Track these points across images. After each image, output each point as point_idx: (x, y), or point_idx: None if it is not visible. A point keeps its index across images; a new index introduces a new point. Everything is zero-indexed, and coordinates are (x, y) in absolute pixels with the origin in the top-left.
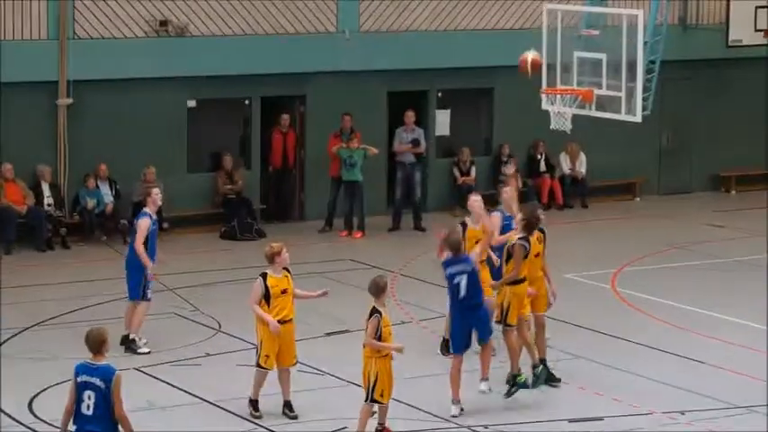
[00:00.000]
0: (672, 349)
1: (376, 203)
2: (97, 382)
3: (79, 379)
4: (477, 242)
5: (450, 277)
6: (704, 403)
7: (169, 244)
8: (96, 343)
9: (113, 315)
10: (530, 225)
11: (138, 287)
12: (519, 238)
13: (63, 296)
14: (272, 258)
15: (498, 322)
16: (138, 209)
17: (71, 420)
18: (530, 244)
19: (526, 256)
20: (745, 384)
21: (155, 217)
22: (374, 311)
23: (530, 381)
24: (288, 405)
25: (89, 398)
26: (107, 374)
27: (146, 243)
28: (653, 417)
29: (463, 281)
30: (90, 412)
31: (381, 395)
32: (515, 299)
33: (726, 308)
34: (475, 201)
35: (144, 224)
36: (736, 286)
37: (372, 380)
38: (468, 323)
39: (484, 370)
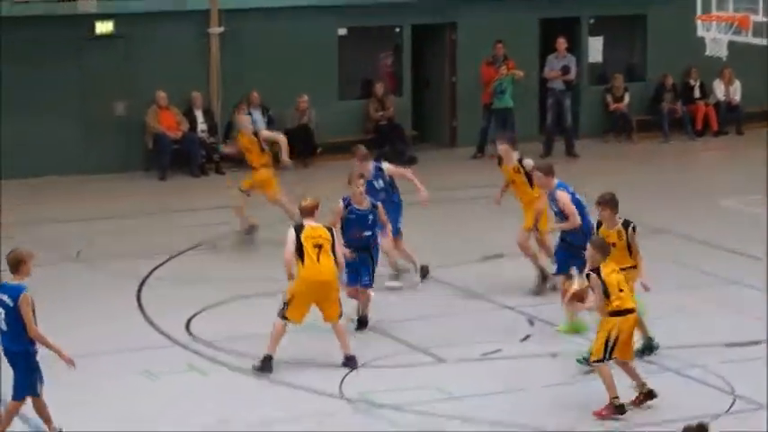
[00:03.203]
0: None
1: (527, 130)
2: (6, 299)
3: None
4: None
5: None
6: None
7: (321, 171)
8: (13, 263)
9: (265, 240)
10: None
11: None
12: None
13: (217, 221)
14: (310, 212)
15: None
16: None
17: None
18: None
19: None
20: None
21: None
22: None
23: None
24: (349, 359)
25: (2, 314)
26: (14, 293)
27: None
28: None
29: None
30: (5, 328)
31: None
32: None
33: None
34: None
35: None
36: None
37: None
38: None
39: None
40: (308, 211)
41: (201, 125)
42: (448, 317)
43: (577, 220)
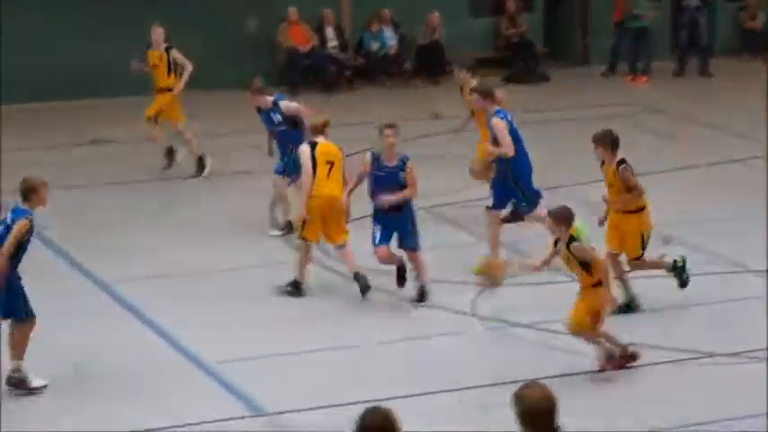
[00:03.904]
0: None
1: (660, 48)
2: (8, 219)
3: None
4: None
5: None
6: None
7: (453, 89)
8: (23, 191)
9: None
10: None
11: None
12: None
13: (347, 137)
14: (321, 130)
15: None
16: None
17: None
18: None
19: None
20: None
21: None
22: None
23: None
24: (357, 277)
25: (3, 234)
26: (16, 215)
27: None
28: None
29: None
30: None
31: None
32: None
33: None
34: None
35: None
36: None
37: None
38: None
39: None
40: (320, 130)
41: (332, 42)
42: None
43: (511, 150)
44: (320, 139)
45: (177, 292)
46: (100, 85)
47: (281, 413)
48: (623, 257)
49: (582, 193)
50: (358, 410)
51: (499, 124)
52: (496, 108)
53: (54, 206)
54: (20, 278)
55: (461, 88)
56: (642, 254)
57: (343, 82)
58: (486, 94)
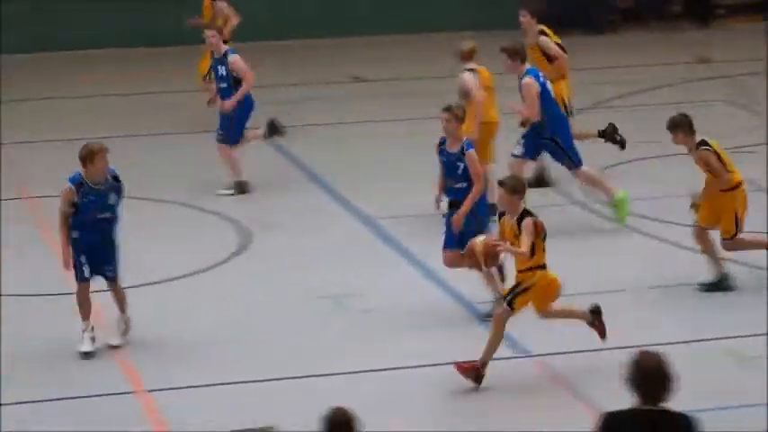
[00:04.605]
0: None
1: None
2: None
3: None
4: None
5: None
6: None
7: (720, 33)
8: (81, 157)
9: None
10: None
11: None
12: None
13: (612, 80)
14: (470, 56)
15: None
16: None
17: None
18: None
19: None
20: None
21: None
22: None
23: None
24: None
25: None
26: (70, 181)
27: None
28: None
29: None
30: None
31: None
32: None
33: None
34: None
35: None
36: None
37: None
38: None
39: None
40: (469, 56)
41: None
42: None
43: (536, 114)
44: (474, 65)
45: None
46: None
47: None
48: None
49: None
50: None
51: (531, 86)
52: (528, 67)
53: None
54: (76, 239)
55: (525, 33)
56: (736, 233)
57: (609, 23)
58: (515, 54)
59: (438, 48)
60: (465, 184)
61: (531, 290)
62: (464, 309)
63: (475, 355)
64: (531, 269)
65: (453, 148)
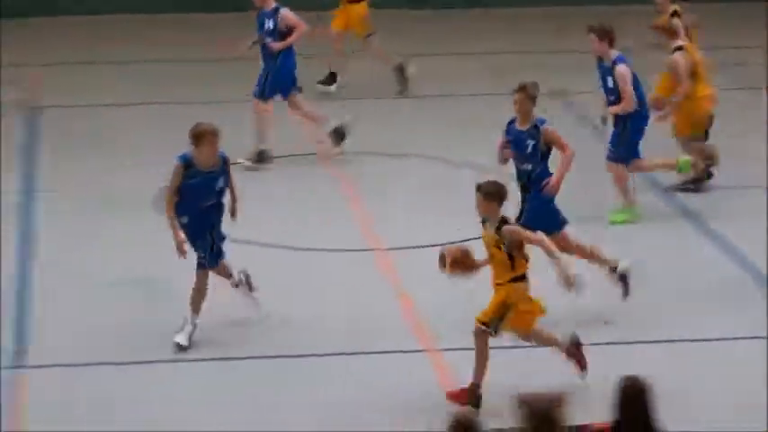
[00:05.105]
0: None
1: None
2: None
3: None
4: None
5: None
6: None
7: None
8: (191, 136)
9: None
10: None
11: None
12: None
13: None
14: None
15: None
16: None
17: None
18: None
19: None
20: None
21: None
22: None
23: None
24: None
25: None
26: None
27: None
28: None
29: None
30: None
31: None
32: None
33: None
34: None
35: None
36: None
37: None
38: None
39: None
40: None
41: None
42: None
43: (632, 104)
44: (683, 42)
45: None
46: None
47: None
48: None
49: None
50: None
51: (625, 73)
52: (618, 53)
53: None
54: (185, 225)
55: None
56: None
57: None
58: (604, 35)
59: None
60: (530, 166)
61: (512, 309)
62: None
63: None
64: (511, 281)
65: (523, 126)
